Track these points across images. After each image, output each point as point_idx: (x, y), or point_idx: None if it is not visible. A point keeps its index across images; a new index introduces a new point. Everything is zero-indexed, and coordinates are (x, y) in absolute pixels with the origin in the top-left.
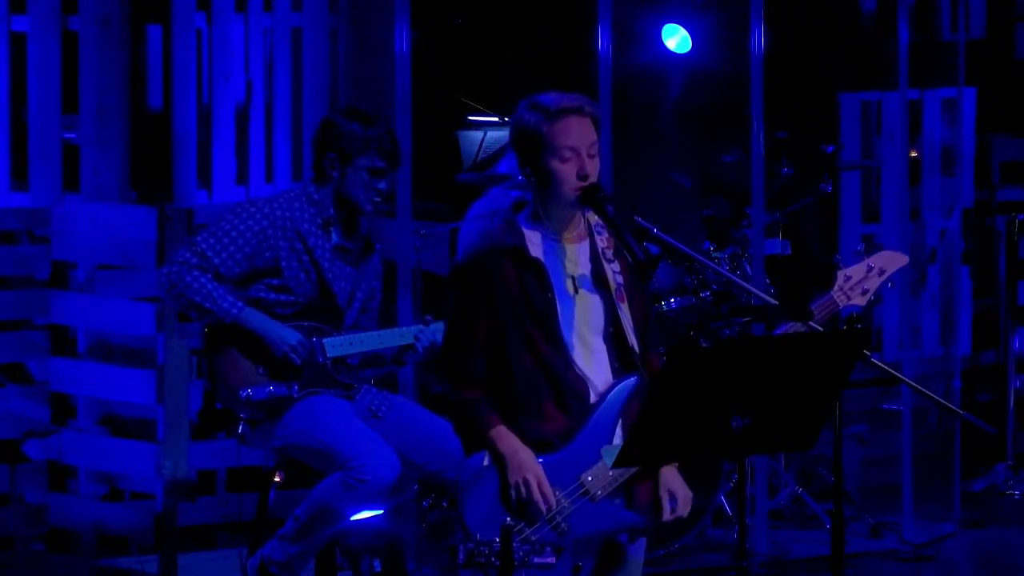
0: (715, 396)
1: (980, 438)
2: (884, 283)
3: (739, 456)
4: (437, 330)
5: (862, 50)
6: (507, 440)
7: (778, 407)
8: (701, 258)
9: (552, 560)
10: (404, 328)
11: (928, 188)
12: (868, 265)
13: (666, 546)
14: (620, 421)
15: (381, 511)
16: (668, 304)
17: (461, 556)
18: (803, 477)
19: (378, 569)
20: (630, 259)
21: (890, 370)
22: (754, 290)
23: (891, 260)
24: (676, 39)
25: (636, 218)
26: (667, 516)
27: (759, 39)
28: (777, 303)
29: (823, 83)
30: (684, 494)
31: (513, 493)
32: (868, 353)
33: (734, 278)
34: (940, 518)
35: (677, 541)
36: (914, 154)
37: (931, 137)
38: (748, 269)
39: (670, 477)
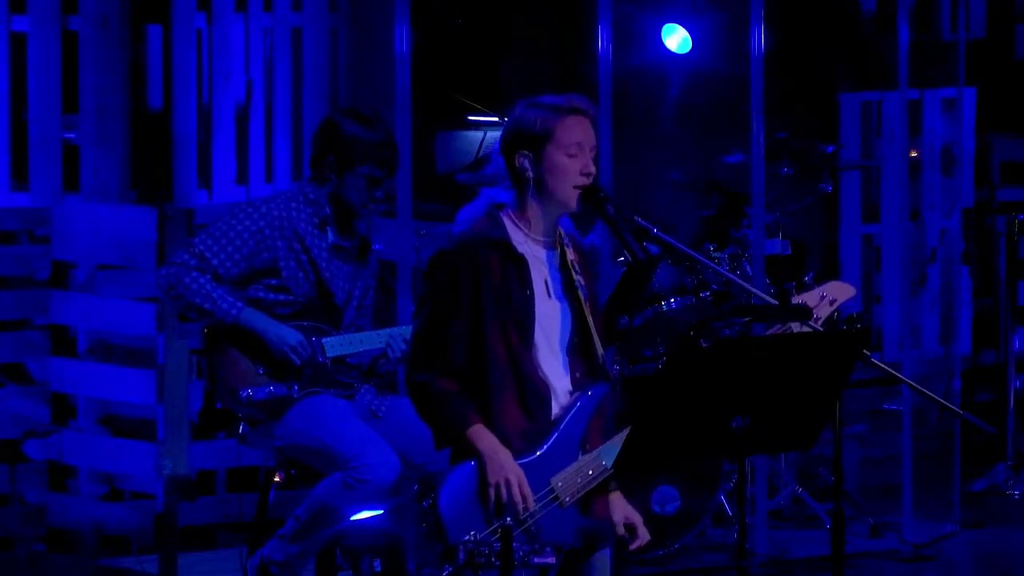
0: (715, 396)
1: (980, 438)
2: (833, 312)
3: (739, 456)
4: None
5: (862, 50)
6: (487, 439)
7: (778, 407)
8: (701, 258)
9: (552, 560)
10: (404, 327)
11: (928, 188)
12: (821, 294)
13: (666, 546)
14: (587, 429)
15: (381, 511)
16: (668, 304)
17: (461, 556)
18: (803, 477)
19: (378, 569)
20: (630, 259)
21: (890, 370)
22: (754, 290)
23: (841, 291)
24: (676, 39)
25: (636, 218)
26: (634, 545)
27: (759, 39)
28: (777, 303)
29: (823, 83)
30: (638, 518)
31: (492, 492)
32: (868, 353)
33: (734, 278)
34: (940, 518)
35: (677, 541)
36: (914, 154)
37: (931, 137)
38: (748, 269)
39: (620, 505)
